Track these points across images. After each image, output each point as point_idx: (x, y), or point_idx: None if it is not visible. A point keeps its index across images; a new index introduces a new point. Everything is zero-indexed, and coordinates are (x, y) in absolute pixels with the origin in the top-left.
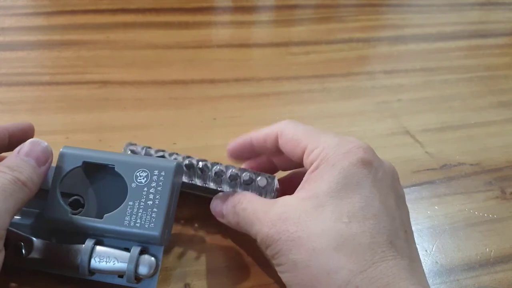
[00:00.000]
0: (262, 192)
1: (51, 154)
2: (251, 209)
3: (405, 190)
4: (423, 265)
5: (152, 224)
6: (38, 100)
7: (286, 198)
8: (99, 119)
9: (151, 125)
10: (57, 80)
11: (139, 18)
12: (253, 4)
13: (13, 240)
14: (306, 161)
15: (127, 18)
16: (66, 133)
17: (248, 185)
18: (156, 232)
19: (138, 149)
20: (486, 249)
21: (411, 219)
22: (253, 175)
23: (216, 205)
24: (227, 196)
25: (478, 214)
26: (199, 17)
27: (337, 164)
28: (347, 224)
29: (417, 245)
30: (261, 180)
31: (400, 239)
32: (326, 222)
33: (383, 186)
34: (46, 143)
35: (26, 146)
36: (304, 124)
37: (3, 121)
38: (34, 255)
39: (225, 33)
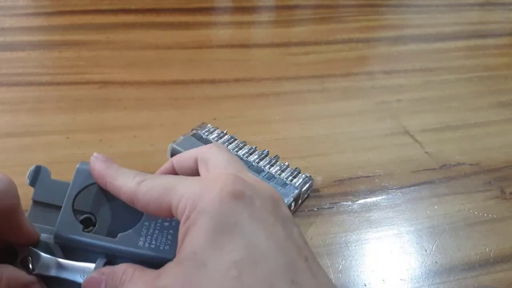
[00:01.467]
0: None
1: None
2: None
3: (404, 190)
4: (423, 265)
5: (167, 247)
6: (39, 100)
7: (167, 266)
8: (99, 119)
9: (152, 125)
10: (57, 80)
11: (140, 18)
12: (253, 4)
13: (21, 254)
14: (177, 217)
15: (127, 18)
16: (67, 133)
17: None
18: (171, 256)
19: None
20: (485, 248)
21: (410, 220)
22: None
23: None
24: (104, 273)
25: (478, 214)
26: (199, 18)
27: (206, 208)
28: (238, 278)
29: (417, 245)
30: None
31: (301, 270)
32: (213, 284)
33: (265, 216)
34: None
35: None
36: (162, 177)
37: (3, 121)
38: (41, 270)
39: (225, 33)
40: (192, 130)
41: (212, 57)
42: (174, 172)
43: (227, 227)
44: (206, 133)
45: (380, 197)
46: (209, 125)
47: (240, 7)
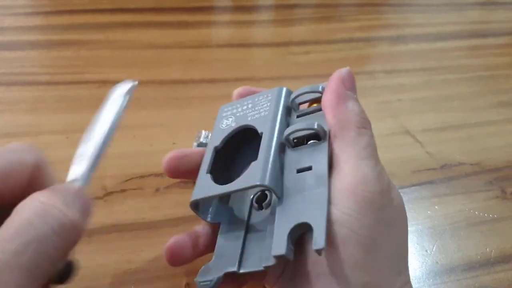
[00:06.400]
0: None
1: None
2: None
3: (405, 190)
4: (423, 265)
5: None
6: (38, 100)
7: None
8: None
9: (151, 125)
10: (56, 80)
11: (139, 17)
12: (253, 3)
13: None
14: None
15: (126, 17)
16: (66, 133)
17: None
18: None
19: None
20: (486, 249)
21: (411, 220)
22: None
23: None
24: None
25: (479, 214)
26: (199, 17)
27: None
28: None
29: (417, 245)
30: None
31: None
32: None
33: None
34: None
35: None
36: None
37: (2, 120)
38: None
39: (225, 32)
40: (194, 143)
41: (212, 56)
42: None
43: None
44: (207, 139)
45: None
46: (203, 131)
47: (240, 6)
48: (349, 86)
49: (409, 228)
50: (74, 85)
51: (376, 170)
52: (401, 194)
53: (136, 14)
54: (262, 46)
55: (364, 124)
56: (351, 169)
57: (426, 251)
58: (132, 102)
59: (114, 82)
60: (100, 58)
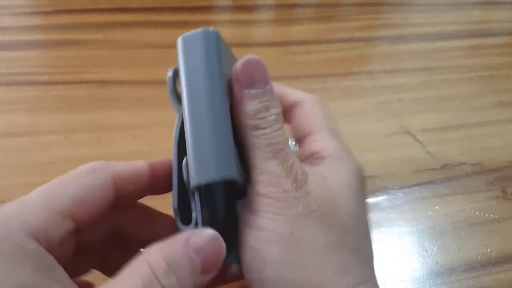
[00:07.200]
0: None
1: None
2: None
3: (405, 190)
4: (424, 266)
5: None
6: (37, 100)
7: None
8: (98, 119)
9: (151, 125)
10: (56, 80)
11: (138, 17)
12: (253, 3)
13: None
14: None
15: (126, 17)
16: (65, 133)
17: None
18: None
19: None
20: (487, 249)
21: (411, 220)
22: None
23: None
24: None
25: (479, 214)
26: (198, 16)
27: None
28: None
29: (418, 245)
30: None
31: None
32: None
33: None
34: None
35: (198, 237)
36: None
37: (1, 120)
38: None
39: (225, 32)
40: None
41: None
42: None
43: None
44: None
45: (381, 198)
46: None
47: (240, 6)
48: (245, 78)
49: (409, 229)
50: (74, 85)
51: (281, 168)
52: (402, 194)
53: (135, 13)
54: (262, 45)
55: (261, 124)
56: (258, 174)
57: (427, 251)
58: (132, 102)
59: (113, 82)
60: (99, 58)
